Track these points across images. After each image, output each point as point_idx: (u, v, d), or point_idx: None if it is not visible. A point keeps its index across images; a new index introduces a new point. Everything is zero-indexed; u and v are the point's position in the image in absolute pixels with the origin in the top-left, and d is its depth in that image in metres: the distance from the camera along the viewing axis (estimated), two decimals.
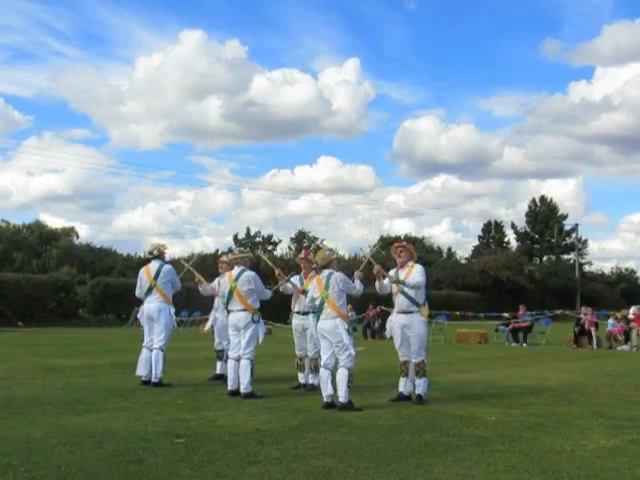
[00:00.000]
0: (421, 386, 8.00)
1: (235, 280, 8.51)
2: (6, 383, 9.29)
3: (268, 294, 8.80)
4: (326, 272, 7.79)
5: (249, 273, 8.57)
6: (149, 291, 9.39)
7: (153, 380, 9.07)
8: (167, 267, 9.50)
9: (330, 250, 8.30)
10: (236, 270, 8.63)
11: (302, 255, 9.46)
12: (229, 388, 8.38)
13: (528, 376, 11.14)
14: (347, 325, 7.66)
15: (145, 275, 9.49)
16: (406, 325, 7.99)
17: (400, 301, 8.07)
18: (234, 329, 8.49)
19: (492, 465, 4.97)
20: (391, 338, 8.41)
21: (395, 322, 8.14)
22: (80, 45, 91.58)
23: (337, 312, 7.61)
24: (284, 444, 5.57)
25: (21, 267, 45.12)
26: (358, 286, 7.91)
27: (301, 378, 9.19)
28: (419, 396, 7.97)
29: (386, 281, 8.14)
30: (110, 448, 5.33)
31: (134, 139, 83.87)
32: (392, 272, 8.29)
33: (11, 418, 6.61)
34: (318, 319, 7.74)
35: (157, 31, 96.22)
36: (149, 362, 9.19)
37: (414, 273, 8.03)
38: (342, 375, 7.45)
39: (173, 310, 9.48)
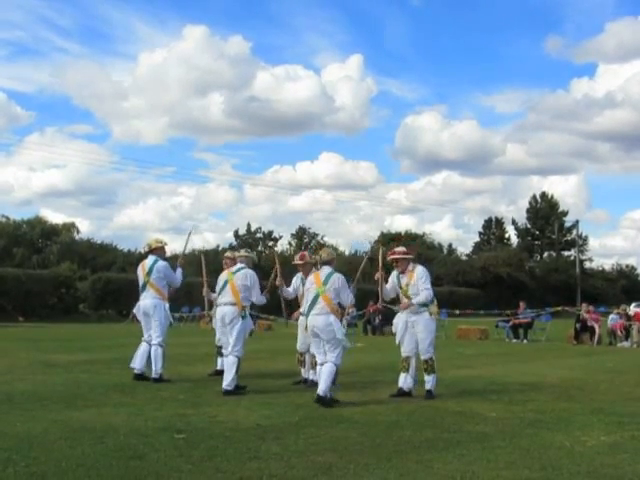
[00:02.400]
0: (430, 382, 8.03)
1: (233, 273, 8.46)
2: (6, 378, 9.29)
3: (261, 300, 8.54)
4: (327, 270, 7.74)
5: (249, 270, 8.51)
6: (144, 287, 9.37)
7: (153, 376, 9.05)
8: (161, 263, 9.40)
9: (333, 251, 8.33)
10: (237, 266, 8.61)
11: (298, 261, 9.24)
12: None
13: (528, 372, 11.14)
14: (340, 321, 7.61)
15: (140, 271, 9.46)
16: (415, 321, 8.01)
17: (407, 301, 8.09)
18: (221, 323, 8.35)
19: (492, 461, 4.96)
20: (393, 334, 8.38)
21: (401, 317, 8.14)
22: (82, 41, 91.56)
23: (331, 308, 7.53)
24: (284, 440, 5.57)
25: (21, 263, 45.08)
26: (348, 298, 7.80)
27: (303, 373, 9.18)
28: (429, 391, 8.00)
29: (398, 309, 8.22)
30: (110, 443, 5.33)
31: (136, 135, 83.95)
32: (394, 274, 8.25)
33: (11, 413, 6.61)
34: (308, 314, 7.64)
35: (160, 27, 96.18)
36: (145, 356, 9.18)
37: (416, 280, 7.99)
38: (329, 369, 7.36)
39: (167, 306, 9.39)
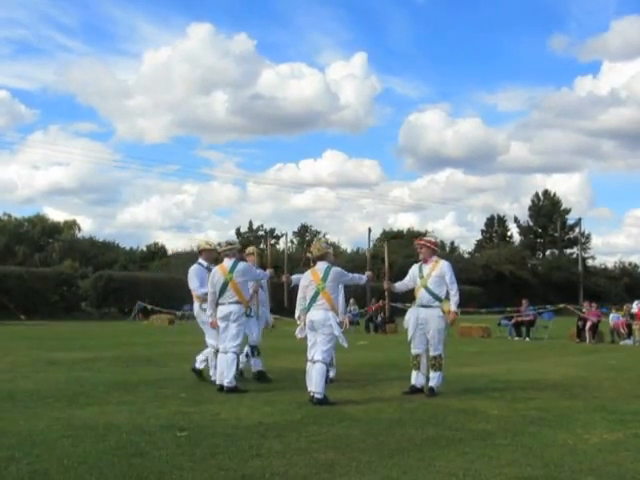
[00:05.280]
0: (435, 379, 8.03)
1: (230, 272, 8.33)
2: (9, 376, 9.30)
3: (264, 275, 8.73)
4: (323, 265, 7.72)
5: (243, 264, 8.48)
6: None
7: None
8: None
9: (326, 243, 8.28)
10: (229, 262, 8.40)
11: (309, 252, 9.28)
12: (217, 382, 8.26)
13: (531, 370, 11.13)
14: (338, 319, 7.64)
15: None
16: (425, 319, 8.02)
17: (421, 295, 8.10)
18: (224, 321, 8.25)
19: (495, 459, 4.95)
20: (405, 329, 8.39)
21: (413, 314, 8.16)
22: (86, 39, 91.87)
23: (331, 304, 7.52)
24: (287, 437, 5.56)
25: (23, 260, 45.20)
26: (358, 278, 7.99)
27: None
28: (431, 388, 7.99)
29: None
30: (112, 441, 5.33)
31: (140, 133, 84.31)
32: (415, 267, 8.26)
33: (14, 411, 6.62)
34: (308, 310, 7.61)
35: (164, 25, 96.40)
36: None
37: (440, 274, 8.04)
38: (320, 370, 7.34)
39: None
